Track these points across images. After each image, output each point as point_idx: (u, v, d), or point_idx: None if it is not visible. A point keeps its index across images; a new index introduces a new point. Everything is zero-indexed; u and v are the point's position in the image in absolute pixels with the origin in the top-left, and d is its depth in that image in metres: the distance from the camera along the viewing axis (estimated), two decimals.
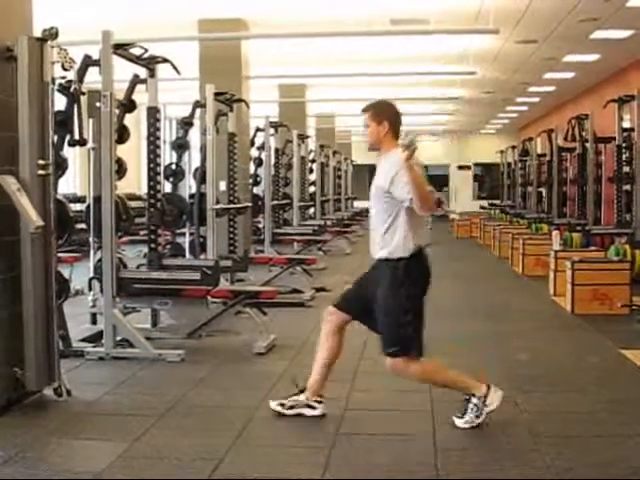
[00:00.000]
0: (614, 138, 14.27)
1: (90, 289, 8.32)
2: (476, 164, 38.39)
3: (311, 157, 22.03)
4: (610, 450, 4.96)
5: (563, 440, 5.15)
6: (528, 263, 14.32)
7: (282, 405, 5.63)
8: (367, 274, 5.56)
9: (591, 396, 6.20)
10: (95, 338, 7.85)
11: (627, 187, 14.05)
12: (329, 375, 5.63)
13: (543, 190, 21.60)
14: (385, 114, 5.40)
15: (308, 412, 5.58)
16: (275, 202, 15.47)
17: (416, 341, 5.32)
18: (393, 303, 5.25)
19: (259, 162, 15.39)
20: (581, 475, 4.52)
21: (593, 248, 13.82)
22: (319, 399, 5.61)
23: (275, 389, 6.40)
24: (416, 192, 4.99)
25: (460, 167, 38.22)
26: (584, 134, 16.59)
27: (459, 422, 5.34)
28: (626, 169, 14.20)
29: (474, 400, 5.33)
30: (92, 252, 8.33)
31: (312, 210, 21.34)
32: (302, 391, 5.64)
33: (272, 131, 15.62)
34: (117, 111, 7.83)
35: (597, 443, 5.12)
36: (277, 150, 16.63)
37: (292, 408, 5.60)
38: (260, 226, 14.98)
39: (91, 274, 8.30)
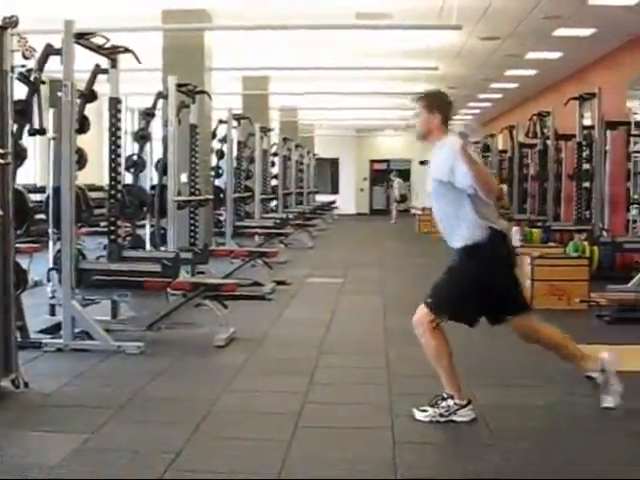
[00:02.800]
0: (575, 135, 14.39)
1: (49, 280, 8.25)
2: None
3: (274, 150, 22.01)
4: (566, 444, 5.00)
5: (520, 434, 5.20)
6: None
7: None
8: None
9: (549, 391, 6.25)
10: (54, 330, 7.78)
11: (587, 184, 14.17)
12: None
13: (504, 186, 21.71)
14: (437, 104, 5.41)
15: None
16: (237, 195, 15.42)
17: (457, 311, 5.31)
18: (459, 273, 5.30)
19: (221, 154, 15.34)
20: (537, 467, 4.56)
21: (552, 244, 13.94)
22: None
23: (235, 382, 6.40)
24: (478, 179, 5.00)
25: (422, 162, 38.31)
26: (545, 131, 16.70)
27: (420, 415, 5.35)
28: (586, 166, 14.32)
29: (450, 402, 5.33)
30: (51, 243, 8.27)
31: (274, 203, 21.33)
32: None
33: (235, 123, 15.58)
34: (78, 101, 7.76)
35: (553, 437, 5.16)
36: (239, 143, 16.58)
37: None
38: (222, 219, 14.93)
39: (50, 265, 8.24)
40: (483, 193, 5.07)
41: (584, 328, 8.87)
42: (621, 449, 4.90)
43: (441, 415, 5.32)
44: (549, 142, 16.42)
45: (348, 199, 37.90)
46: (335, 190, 38.33)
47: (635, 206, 13.90)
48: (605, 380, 5.39)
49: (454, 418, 5.32)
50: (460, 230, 5.25)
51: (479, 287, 5.26)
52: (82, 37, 7.57)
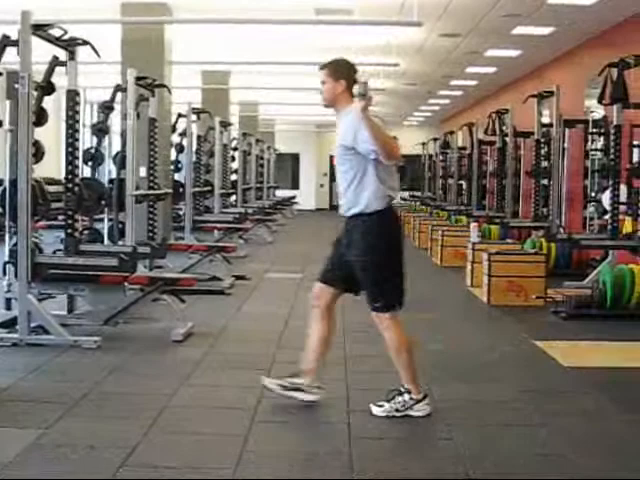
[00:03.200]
0: (533, 133, 14.48)
1: (5, 274, 8.16)
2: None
3: (233, 145, 21.95)
4: (522, 439, 5.06)
5: (476, 429, 5.23)
6: (447, 254, 14.49)
7: (282, 386, 5.53)
8: (339, 239, 5.49)
9: (504, 386, 6.30)
10: (9, 324, 7.70)
11: (545, 181, 14.28)
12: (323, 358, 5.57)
13: (463, 183, 21.84)
14: (343, 72, 5.43)
15: (302, 396, 5.50)
16: (196, 189, 15.38)
17: (398, 295, 5.33)
18: (371, 258, 5.25)
19: (180, 148, 15.29)
20: (492, 463, 4.59)
21: (510, 241, 14.04)
22: (318, 385, 5.54)
23: (192, 377, 6.38)
24: (378, 141, 4.98)
25: None
26: (504, 128, 16.80)
27: (377, 410, 5.37)
28: (544, 164, 14.43)
29: (406, 396, 5.35)
30: (7, 236, 8.18)
31: (233, 198, 21.27)
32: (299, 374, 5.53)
33: (194, 117, 15.53)
34: (35, 93, 7.69)
35: (510, 432, 5.21)
36: (199, 137, 16.54)
37: (289, 390, 5.50)
38: (181, 213, 14.89)
39: (6, 258, 8.15)
40: (383, 157, 5.07)
41: (540, 324, 8.98)
42: (572, 439, 4.94)
43: (397, 410, 5.34)
44: (508, 139, 16.52)
45: (308, 194, 37.92)
46: (295, 185, 38.33)
47: (592, 203, 14.03)
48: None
49: (410, 413, 5.34)
50: (362, 197, 5.23)
51: (393, 258, 5.28)
52: (40, 28, 7.50)
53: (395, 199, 5.39)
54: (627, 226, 11.11)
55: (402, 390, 5.38)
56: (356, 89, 5.06)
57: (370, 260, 5.27)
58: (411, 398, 5.36)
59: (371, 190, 5.21)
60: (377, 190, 5.22)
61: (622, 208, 10.95)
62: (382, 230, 5.26)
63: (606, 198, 11.45)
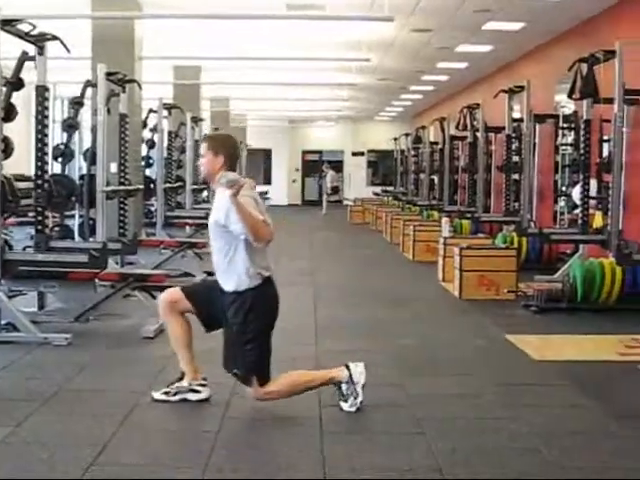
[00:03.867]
0: (504, 128, 14.54)
1: None
2: (370, 151, 38.63)
3: None
4: (494, 432, 5.08)
5: (448, 423, 5.25)
6: (418, 249, 14.52)
7: (167, 393, 5.58)
8: (217, 286, 5.45)
9: (476, 380, 6.32)
10: None
11: (516, 176, 14.34)
12: (193, 354, 5.61)
13: (435, 178, 21.90)
14: (223, 147, 5.40)
15: (193, 396, 5.56)
16: (168, 185, 15.32)
17: (260, 368, 5.33)
18: (237, 331, 5.28)
19: (152, 144, 15.23)
20: (464, 457, 4.61)
21: (481, 235, 14.09)
22: (202, 382, 5.61)
23: (163, 373, 6.35)
24: (246, 226, 5.00)
25: (354, 153, 38.47)
26: (475, 123, 16.85)
27: (345, 406, 5.39)
28: (515, 158, 14.50)
29: (344, 386, 5.40)
30: None
31: (205, 194, 21.21)
32: (182, 377, 5.60)
33: (165, 113, 15.46)
34: (4, 89, 7.64)
35: (481, 425, 5.23)
36: (170, 133, 16.47)
37: (177, 394, 5.56)
38: (152, 209, 14.83)
39: None
40: (252, 239, 5.10)
41: (511, 318, 9.03)
42: (543, 432, 4.97)
43: (355, 397, 5.34)
44: (479, 134, 16.57)
45: (280, 190, 37.84)
46: (267, 181, 38.22)
47: (562, 198, 14.11)
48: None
49: (359, 387, 5.36)
50: (233, 274, 5.27)
51: (261, 335, 5.32)
52: (8, 24, 7.45)
53: (269, 275, 5.36)
54: (597, 220, 11.18)
55: (338, 387, 5.43)
56: (224, 179, 4.94)
57: (236, 333, 5.30)
58: (346, 382, 5.39)
59: (242, 269, 5.24)
60: (248, 268, 5.24)
61: (592, 202, 11.02)
62: (253, 309, 5.26)
63: (576, 193, 11.52)
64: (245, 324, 5.26)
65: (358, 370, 5.42)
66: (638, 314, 8.78)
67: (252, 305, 5.26)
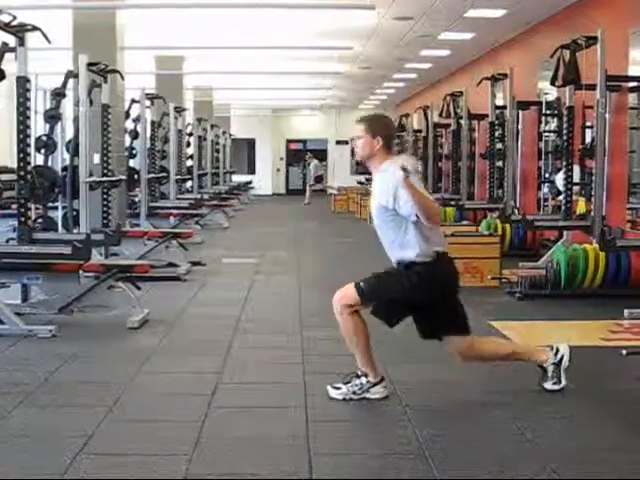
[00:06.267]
0: (487, 115, 14.57)
1: None
2: (354, 139, 38.60)
3: (188, 130, 21.84)
4: (479, 419, 5.12)
5: (432, 409, 5.28)
6: None
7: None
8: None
9: (461, 367, 6.31)
10: None
11: (499, 163, 14.38)
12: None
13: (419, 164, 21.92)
14: (380, 128, 5.39)
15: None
16: (151, 175, 15.28)
17: (379, 307, 5.37)
18: (399, 279, 5.30)
19: (135, 135, 15.18)
20: (450, 443, 4.63)
21: (466, 222, 14.12)
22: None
23: (148, 364, 6.36)
24: (419, 208, 4.99)
25: (338, 142, 38.44)
26: (459, 111, 16.87)
27: (334, 392, 5.41)
28: (498, 145, 14.54)
29: (363, 380, 5.39)
30: None
31: (189, 184, 21.19)
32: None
33: (148, 103, 15.41)
34: None
35: (464, 411, 5.26)
36: (153, 123, 16.42)
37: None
38: (136, 200, 14.80)
39: None
40: (424, 220, 5.07)
41: (496, 305, 9.05)
42: (528, 419, 4.99)
43: (354, 393, 5.37)
44: (462, 122, 16.59)
45: (265, 179, 37.85)
46: (252, 170, 38.21)
47: (546, 184, 14.15)
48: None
49: (367, 395, 5.37)
50: (405, 253, 5.26)
51: (412, 301, 5.33)
52: None
53: (445, 252, 5.37)
54: (580, 206, 11.23)
55: (359, 373, 5.40)
56: (403, 163, 4.95)
57: (399, 276, 5.32)
58: (368, 382, 5.39)
59: (414, 248, 5.22)
60: (421, 246, 5.22)
61: (575, 189, 11.06)
62: (421, 280, 5.26)
63: (560, 179, 11.57)
64: (404, 280, 5.28)
65: (382, 391, 5.42)
66: (621, 300, 8.80)
67: (424, 277, 5.25)
